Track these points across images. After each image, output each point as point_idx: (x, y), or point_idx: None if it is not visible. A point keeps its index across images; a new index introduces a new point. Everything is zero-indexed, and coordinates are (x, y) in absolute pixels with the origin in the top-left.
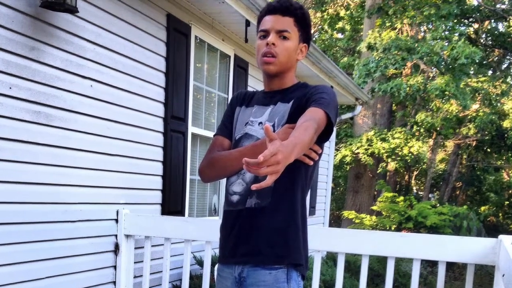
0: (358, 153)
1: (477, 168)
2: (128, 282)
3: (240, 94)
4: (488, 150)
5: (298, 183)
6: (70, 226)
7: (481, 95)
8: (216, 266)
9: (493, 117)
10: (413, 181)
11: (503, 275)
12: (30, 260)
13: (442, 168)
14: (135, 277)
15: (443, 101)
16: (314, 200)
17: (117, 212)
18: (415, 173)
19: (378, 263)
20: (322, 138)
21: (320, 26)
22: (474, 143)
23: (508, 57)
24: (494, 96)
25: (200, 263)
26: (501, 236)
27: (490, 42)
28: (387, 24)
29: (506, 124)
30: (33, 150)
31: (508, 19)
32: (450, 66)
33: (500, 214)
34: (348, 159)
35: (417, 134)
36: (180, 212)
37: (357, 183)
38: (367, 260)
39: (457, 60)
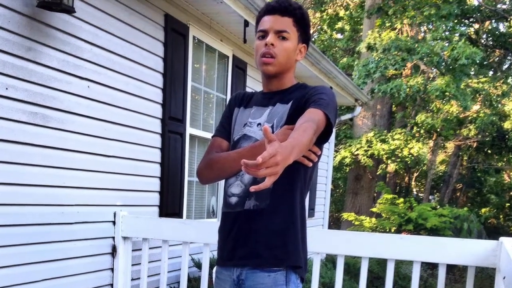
0: (358, 154)
1: (477, 170)
2: (125, 284)
3: (238, 95)
4: (489, 151)
5: (297, 184)
6: (67, 228)
7: (481, 96)
8: (215, 269)
9: (494, 118)
10: (413, 183)
11: (504, 278)
12: (27, 262)
13: (442, 170)
14: (132, 279)
15: (444, 102)
16: (313, 202)
17: (115, 214)
18: (415, 174)
19: (378, 266)
20: (321, 139)
21: (319, 26)
22: (475, 145)
23: (509, 57)
24: (495, 97)
25: (198, 265)
26: (502, 238)
27: (491, 43)
28: (387, 24)
29: (507, 125)
30: (29, 151)
31: (509, 19)
32: (451, 67)
33: (501, 216)
34: (347, 160)
35: (417, 135)
36: (178, 214)
37: (356, 185)
38: (367, 262)
39: (457, 60)
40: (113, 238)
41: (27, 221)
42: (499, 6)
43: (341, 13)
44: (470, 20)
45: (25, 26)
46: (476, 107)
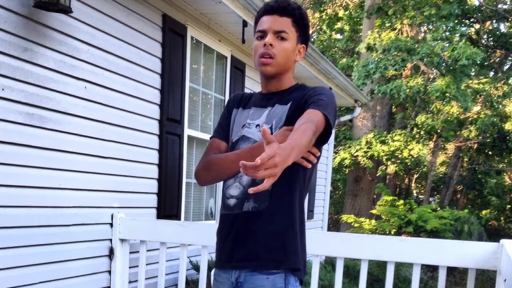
0: (357, 156)
1: (478, 171)
2: (123, 287)
3: (237, 96)
4: (490, 152)
5: (296, 186)
6: (64, 230)
7: (482, 97)
8: (213, 271)
9: (495, 119)
10: (413, 185)
11: (504, 280)
12: (23, 265)
13: (442, 171)
14: (130, 282)
15: (444, 103)
16: (313, 203)
17: (112, 216)
18: (415, 176)
19: (377, 268)
20: (320, 140)
21: (318, 27)
22: (475, 146)
23: (510, 58)
24: (495, 98)
25: (196, 268)
26: (502, 241)
27: (492, 43)
28: (387, 25)
29: (508, 126)
30: (26, 152)
31: (510, 19)
32: (451, 67)
33: (502, 218)
34: (347, 162)
35: (417, 136)
36: (176, 216)
37: (356, 187)
38: (367, 265)
39: (458, 61)
40: (111, 240)
41: (23, 223)
42: (500, 6)
43: (341, 13)
44: (471, 20)
45: (21, 27)
46: (476, 108)
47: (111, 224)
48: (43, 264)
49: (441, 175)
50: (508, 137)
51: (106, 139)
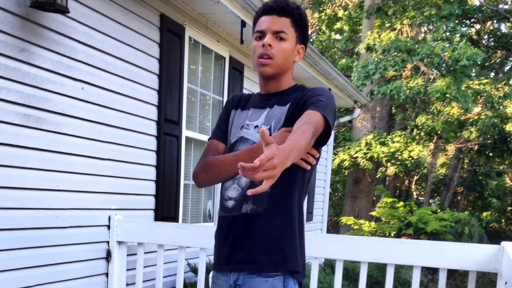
0: (357, 157)
1: (479, 173)
2: None
3: (235, 97)
4: (490, 154)
5: (295, 188)
6: (60, 232)
7: (483, 97)
8: (211, 274)
9: (496, 120)
10: (413, 186)
11: (506, 283)
12: (20, 267)
13: (443, 173)
14: (127, 285)
15: (444, 104)
16: (312, 205)
17: (109, 218)
18: (415, 178)
19: (377, 271)
20: (319, 142)
21: (317, 27)
22: (476, 147)
23: (511, 58)
24: (496, 98)
25: (194, 270)
26: (503, 243)
27: (493, 43)
28: (387, 25)
29: (509, 127)
30: (22, 154)
31: (510, 19)
32: (451, 68)
33: (503, 220)
34: (346, 163)
35: (417, 137)
36: (174, 218)
37: (355, 188)
38: (366, 267)
39: (458, 61)
40: (108, 242)
41: (19, 225)
42: (500, 6)
43: (340, 13)
44: (471, 20)
45: (18, 27)
46: (477, 109)
47: (108, 226)
48: (40, 266)
49: (441, 177)
50: (509, 139)
51: (103, 141)
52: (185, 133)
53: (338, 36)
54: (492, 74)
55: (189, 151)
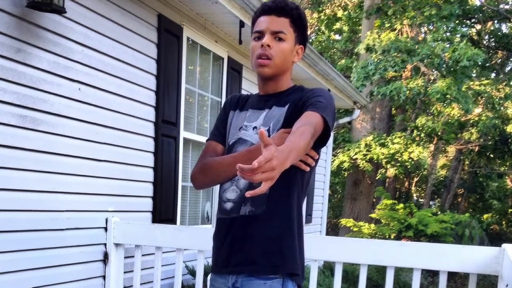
0: (356, 158)
1: (479, 175)
2: None
3: (233, 98)
4: (491, 155)
5: (294, 190)
6: (57, 235)
7: (483, 98)
8: (209, 276)
9: (496, 122)
10: (413, 188)
11: (506, 286)
12: (16, 269)
13: (443, 175)
14: (125, 287)
15: (445, 105)
16: (311, 207)
17: (106, 220)
18: (415, 179)
19: (377, 273)
20: (319, 143)
21: (316, 27)
22: (477, 149)
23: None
24: (497, 99)
25: (192, 272)
26: (504, 245)
27: (493, 44)
28: (386, 25)
29: (509, 128)
30: (19, 155)
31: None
32: (452, 69)
33: (504, 222)
34: (346, 165)
35: (417, 139)
36: (172, 220)
37: (355, 190)
38: (366, 269)
39: (459, 62)
40: (105, 244)
41: (16, 227)
42: (501, 6)
43: (339, 13)
44: (472, 20)
45: (14, 27)
46: (478, 110)
47: (106, 228)
48: (36, 269)
49: (441, 178)
50: (510, 140)
51: (100, 142)
52: (183, 134)
53: (337, 37)
54: (493, 75)
55: (187, 152)
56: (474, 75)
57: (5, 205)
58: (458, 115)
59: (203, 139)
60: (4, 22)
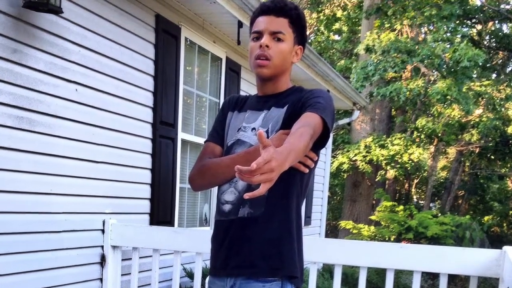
0: (356, 160)
1: (480, 176)
2: None
3: (232, 99)
4: (492, 157)
5: (293, 191)
6: (54, 237)
7: (484, 99)
8: (207, 279)
9: (497, 123)
10: (413, 190)
11: None
12: (12, 272)
13: (443, 176)
14: None
15: (445, 106)
16: (310, 209)
17: (104, 222)
18: (415, 181)
19: (376, 276)
20: (318, 144)
21: (316, 27)
22: (477, 150)
23: None
24: (498, 100)
25: (190, 275)
26: (505, 248)
27: (494, 44)
28: (386, 25)
29: (510, 130)
30: (15, 157)
31: None
32: (452, 69)
33: (505, 224)
34: (345, 166)
35: (417, 140)
36: (170, 222)
37: (354, 192)
38: (365, 272)
39: (459, 63)
40: (102, 247)
41: (12, 229)
42: (502, 6)
43: (339, 13)
44: (473, 21)
45: (10, 27)
46: (478, 111)
47: (103, 231)
48: (33, 271)
49: (442, 180)
50: (510, 141)
51: (97, 143)
52: (181, 135)
53: (336, 37)
54: (494, 76)
55: (185, 154)
56: (474, 75)
57: (1, 207)
58: (459, 116)
59: (201, 140)
60: (0, 22)
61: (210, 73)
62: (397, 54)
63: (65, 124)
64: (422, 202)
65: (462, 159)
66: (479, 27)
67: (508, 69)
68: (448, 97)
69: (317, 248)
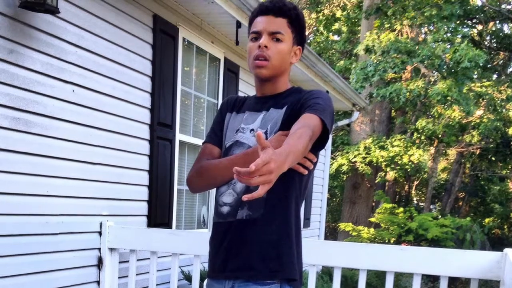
0: (355, 161)
1: (481, 178)
2: None
3: (230, 100)
4: (493, 158)
5: (292, 193)
6: (51, 239)
7: (485, 100)
8: (205, 281)
9: (498, 124)
10: (413, 192)
11: None
12: (8, 275)
13: (444, 178)
14: None
15: (445, 106)
16: (309, 211)
17: (101, 224)
18: (415, 183)
19: (376, 278)
20: (317, 146)
21: (315, 28)
22: (478, 151)
23: None
24: (499, 101)
25: (188, 278)
26: (506, 250)
27: (495, 45)
28: (386, 26)
29: (511, 131)
30: (11, 158)
31: None
32: (453, 70)
33: (506, 226)
34: (344, 168)
35: (417, 141)
36: (167, 224)
37: (354, 194)
38: (365, 275)
39: (460, 63)
40: (99, 249)
41: (8, 231)
42: (503, 6)
43: (338, 13)
44: (473, 21)
45: (6, 27)
46: (479, 112)
47: (100, 233)
48: (29, 274)
49: (442, 182)
50: (511, 142)
51: (94, 144)
52: (179, 136)
53: (336, 37)
54: (495, 76)
55: (183, 155)
56: (475, 76)
57: None
58: (459, 117)
59: (199, 141)
60: None
61: (208, 73)
62: (397, 55)
63: (62, 125)
64: (422, 204)
65: (463, 160)
66: (479, 27)
67: (509, 70)
68: (449, 98)
69: (316, 251)
